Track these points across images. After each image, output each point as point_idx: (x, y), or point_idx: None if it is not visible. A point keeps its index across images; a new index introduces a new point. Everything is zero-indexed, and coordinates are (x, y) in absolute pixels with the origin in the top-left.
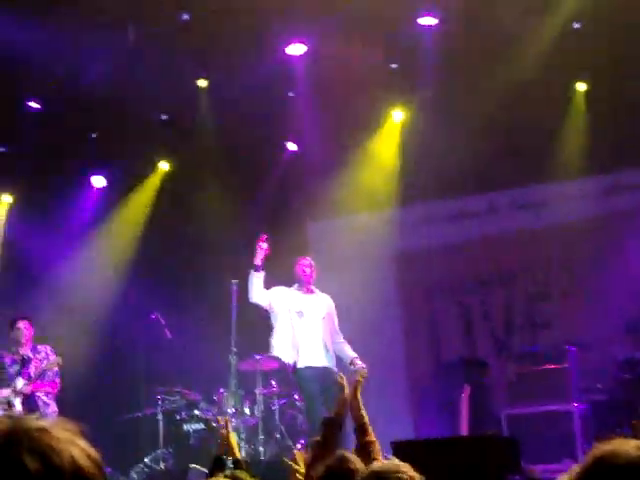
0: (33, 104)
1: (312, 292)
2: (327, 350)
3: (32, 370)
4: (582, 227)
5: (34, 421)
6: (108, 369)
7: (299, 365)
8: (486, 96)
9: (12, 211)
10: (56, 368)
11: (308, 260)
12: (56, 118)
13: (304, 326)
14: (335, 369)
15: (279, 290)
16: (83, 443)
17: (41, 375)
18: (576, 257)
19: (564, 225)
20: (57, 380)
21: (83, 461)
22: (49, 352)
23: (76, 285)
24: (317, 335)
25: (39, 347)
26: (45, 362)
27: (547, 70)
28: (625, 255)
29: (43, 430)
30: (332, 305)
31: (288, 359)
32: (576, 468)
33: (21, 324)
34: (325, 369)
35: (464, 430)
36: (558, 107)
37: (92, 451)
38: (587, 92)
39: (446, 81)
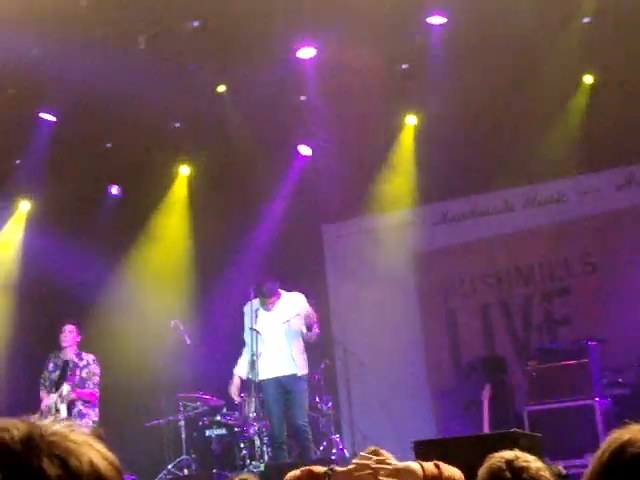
0: (47, 116)
1: (271, 309)
2: (290, 357)
3: (77, 376)
4: (602, 221)
5: (51, 425)
6: (129, 376)
7: (261, 377)
8: (496, 92)
9: (30, 221)
10: (97, 378)
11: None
12: (71, 129)
13: (262, 341)
14: (300, 372)
15: (245, 310)
16: (101, 446)
17: (81, 383)
18: (596, 252)
19: (582, 220)
20: (96, 390)
21: (102, 464)
22: (91, 361)
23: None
24: (276, 347)
25: (83, 354)
26: (86, 370)
27: (558, 67)
28: None
29: (60, 434)
30: (301, 303)
31: (244, 374)
32: (595, 456)
33: (66, 327)
34: (285, 378)
35: (487, 429)
36: (564, 101)
37: (110, 454)
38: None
39: (456, 80)
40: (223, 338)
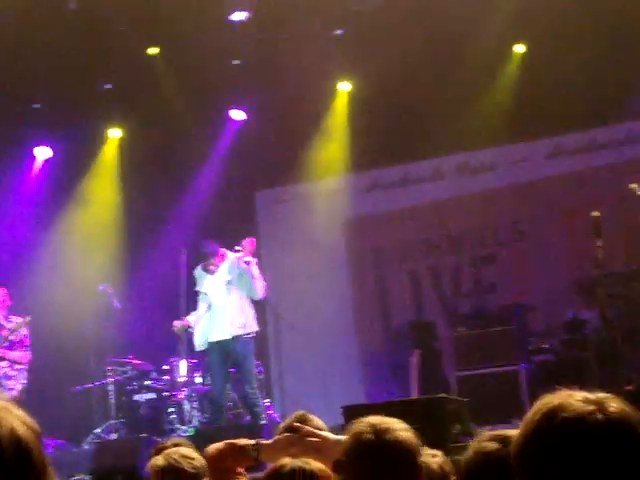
0: None
1: (215, 270)
2: (236, 319)
3: (1, 337)
4: (530, 190)
5: None
6: (58, 340)
7: (209, 340)
8: (429, 60)
9: None
10: (27, 341)
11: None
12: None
13: (208, 304)
14: (247, 334)
15: (195, 274)
16: (20, 412)
17: (9, 345)
18: (523, 220)
19: (511, 189)
20: (28, 353)
21: (22, 431)
22: (20, 323)
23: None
24: (222, 309)
25: (12, 317)
26: (15, 333)
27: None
28: (572, 217)
29: None
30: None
31: (195, 339)
32: (523, 421)
33: None
34: (225, 341)
35: (415, 394)
36: (496, 70)
37: (29, 420)
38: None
39: (390, 47)
40: (153, 302)
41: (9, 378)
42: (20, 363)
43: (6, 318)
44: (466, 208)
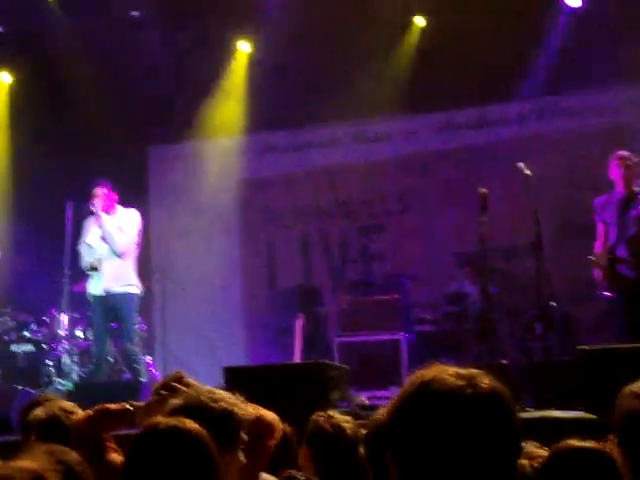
0: None
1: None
2: (121, 273)
3: None
4: (419, 162)
5: None
6: None
7: (92, 293)
8: (328, 26)
9: None
10: None
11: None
12: None
13: (94, 256)
14: (126, 288)
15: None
16: None
17: None
18: (411, 192)
19: (400, 159)
20: None
21: None
22: None
23: None
24: (107, 263)
25: None
26: None
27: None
28: (459, 192)
29: None
30: (132, 219)
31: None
32: (397, 394)
33: None
34: (108, 295)
35: (298, 358)
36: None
37: None
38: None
39: (290, 10)
40: (36, 253)
41: None
42: None
43: None
44: (357, 176)
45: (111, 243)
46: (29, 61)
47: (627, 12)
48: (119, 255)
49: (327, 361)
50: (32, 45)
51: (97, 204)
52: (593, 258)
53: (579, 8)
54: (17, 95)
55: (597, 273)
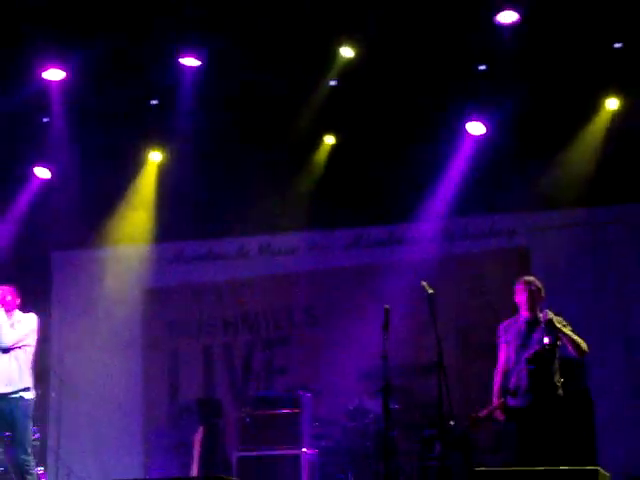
0: None
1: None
2: (16, 375)
3: None
4: (327, 277)
5: None
6: None
7: None
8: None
9: None
10: None
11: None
12: None
13: None
14: (15, 393)
15: None
16: None
17: None
18: (318, 305)
19: (310, 274)
20: None
21: None
22: None
23: None
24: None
25: None
26: None
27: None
28: (365, 308)
29: None
30: (27, 323)
31: None
32: None
33: None
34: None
35: (195, 472)
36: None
37: None
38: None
39: (200, 120)
40: None
41: None
42: None
43: None
44: (264, 289)
45: (1, 336)
46: None
47: (524, 141)
48: (3, 350)
49: (225, 476)
50: None
51: None
52: (477, 415)
53: (482, 135)
54: None
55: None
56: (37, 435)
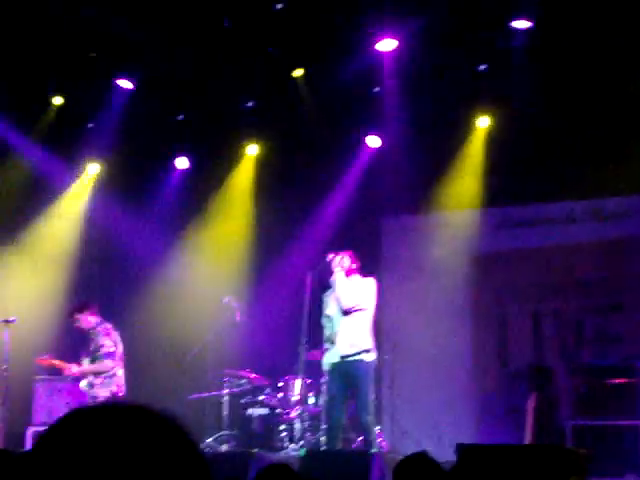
0: (124, 82)
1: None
2: (355, 341)
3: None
4: None
5: None
6: (179, 348)
7: (330, 361)
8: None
9: (96, 185)
10: (105, 350)
11: None
12: (146, 98)
13: (332, 327)
14: (358, 355)
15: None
16: None
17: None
18: None
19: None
20: (107, 362)
21: None
22: (101, 332)
23: (144, 261)
24: (342, 331)
25: (99, 327)
26: (94, 343)
27: None
28: None
29: None
30: (367, 283)
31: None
32: None
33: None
34: (344, 362)
35: (528, 439)
36: None
37: None
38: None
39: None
40: (275, 320)
41: (92, 386)
42: (100, 372)
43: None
44: (594, 254)
45: (340, 299)
46: (275, 135)
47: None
48: (344, 312)
49: (560, 445)
50: (279, 119)
51: (337, 262)
52: None
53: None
54: (263, 166)
55: None
56: (373, 396)
